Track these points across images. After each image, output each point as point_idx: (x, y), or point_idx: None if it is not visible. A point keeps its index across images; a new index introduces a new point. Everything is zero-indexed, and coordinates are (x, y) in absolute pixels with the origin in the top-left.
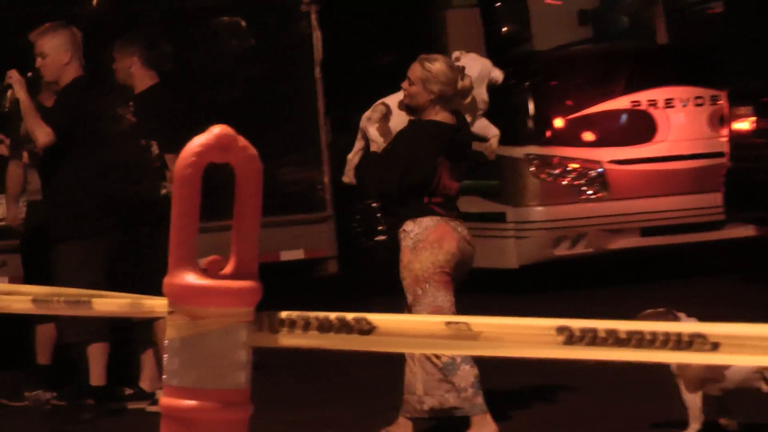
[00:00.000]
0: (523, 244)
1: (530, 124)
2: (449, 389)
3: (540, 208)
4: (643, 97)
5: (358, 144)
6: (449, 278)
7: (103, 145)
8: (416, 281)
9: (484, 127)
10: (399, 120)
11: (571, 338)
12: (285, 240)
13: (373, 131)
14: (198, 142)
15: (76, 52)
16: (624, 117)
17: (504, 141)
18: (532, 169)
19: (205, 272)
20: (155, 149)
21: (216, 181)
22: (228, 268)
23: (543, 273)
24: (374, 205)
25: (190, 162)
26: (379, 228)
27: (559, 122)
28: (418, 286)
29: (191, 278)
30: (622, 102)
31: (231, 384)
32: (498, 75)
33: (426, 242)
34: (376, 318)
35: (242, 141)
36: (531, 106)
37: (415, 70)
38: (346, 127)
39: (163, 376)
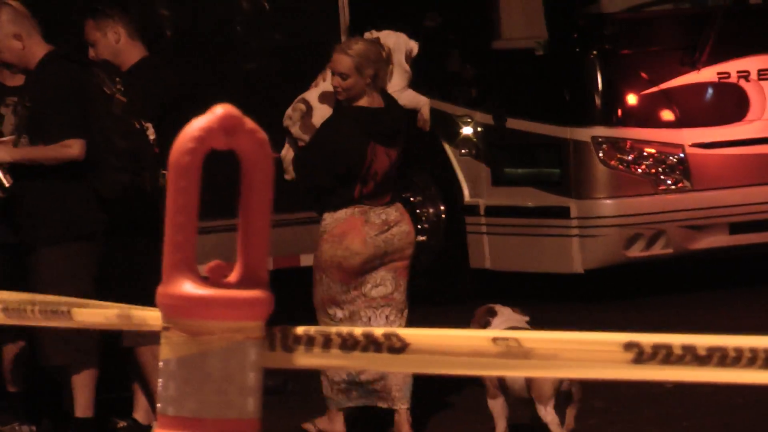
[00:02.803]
0: (590, 243)
1: (598, 101)
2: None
3: (610, 202)
4: (733, 67)
5: (288, 140)
6: (345, 274)
7: (92, 130)
8: (316, 269)
9: (412, 98)
10: (321, 114)
11: (641, 356)
12: (305, 241)
13: (296, 130)
14: (198, 125)
15: (29, 27)
16: (710, 91)
17: (567, 121)
18: (600, 154)
19: (207, 280)
20: (151, 133)
21: (219, 172)
22: (233, 275)
23: (611, 277)
24: (412, 199)
25: (189, 148)
26: (419, 226)
27: (632, 98)
28: (317, 274)
29: (189, 287)
30: (707, 74)
31: (238, 413)
32: (413, 46)
33: (329, 234)
34: (408, 333)
35: (250, 124)
36: (599, 80)
37: (343, 62)
38: None
39: (158, 405)
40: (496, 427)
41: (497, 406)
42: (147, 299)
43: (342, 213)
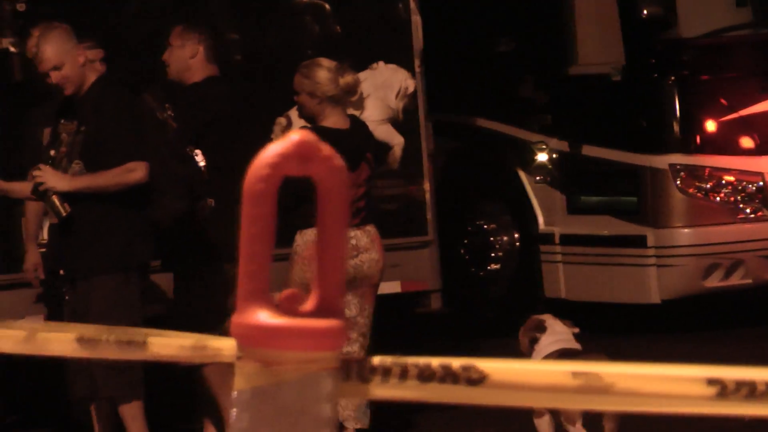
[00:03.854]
0: (667, 273)
1: (675, 127)
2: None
3: (687, 230)
4: None
5: None
6: None
7: (146, 156)
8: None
9: (388, 133)
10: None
11: (724, 391)
12: None
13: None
14: (273, 151)
15: (76, 50)
16: None
17: (644, 148)
18: (678, 182)
19: (281, 309)
20: (201, 159)
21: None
22: (309, 305)
23: (688, 308)
24: (486, 227)
25: (264, 175)
26: (492, 255)
27: (710, 125)
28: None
29: (264, 316)
30: None
31: None
32: (410, 84)
33: (299, 257)
34: (487, 365)
35: (326, 150)
36: (676, 106)
37: (296, 80)
38: (452, 131)
39: None
40: None
41: (543, 424)
42: (203, 327)
43: (310, 234)
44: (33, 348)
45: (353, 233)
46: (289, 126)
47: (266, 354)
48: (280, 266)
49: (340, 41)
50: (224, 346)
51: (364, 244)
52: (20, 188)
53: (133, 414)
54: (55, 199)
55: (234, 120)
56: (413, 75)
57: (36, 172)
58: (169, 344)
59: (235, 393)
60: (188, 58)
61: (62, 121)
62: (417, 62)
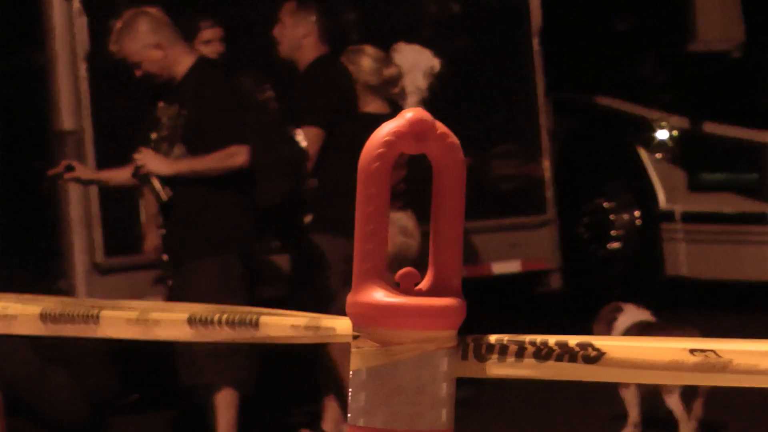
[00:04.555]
0: None
1: None
2: None
3: None
4: None
5: None
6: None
7: (248, 138)
8: None
9: None
10: None
11: None
12: (497, 249)
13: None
14: (387, 129)
15: (170, 35)
16: None
17: (766, 124)
18: None
19: (398, 287)
20: (302, 140)
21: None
22: (425, 283)
23: None
24: (606, 205)
25: (378, 154)
26: (613, 233)
27: None
28: None
29: (380, 295)
30: None
31: (429, 424)
32: (435, 63)
33: None
34: (604, 343)
35: (441, 128)
36: None
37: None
38: (571, 110)
39: (348, 415)
40: (629, 415)
41: (629, 395)
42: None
43: None
44: (143, 332)
45: (398, 215)
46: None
47: (382, 333)
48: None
49: (455, 21)
50: (338, 325)
51: (410, 227)
52: (119, 175)
53: (228, 402)
54: (156, 183)
55: (347, 101)
56: (532, 53)
57: (136, 156)
58: (281, 324)
59: (351, 373)
60: (301, 37)
61: (162, 104)
62: (535, 41)
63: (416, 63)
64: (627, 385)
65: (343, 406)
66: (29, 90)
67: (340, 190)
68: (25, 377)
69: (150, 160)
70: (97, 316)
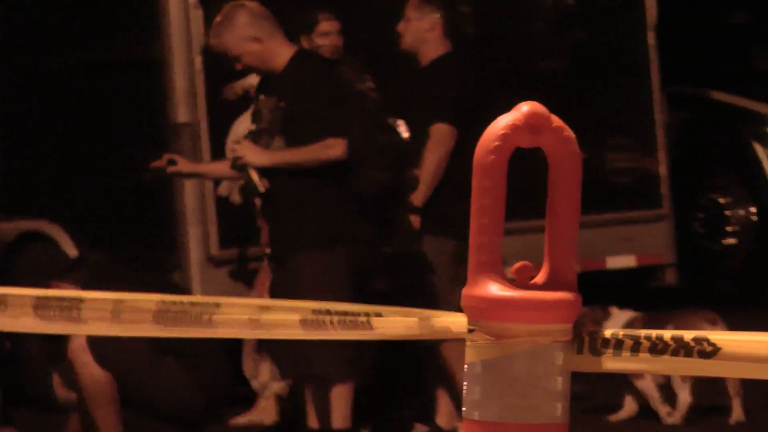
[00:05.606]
0: None
1: None
2: None
3: None
4: None
5: None
6: None
7: (349, 128)
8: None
9: None
10: None
11: None
12: (611, 243)
13: None
14: (503, 122)
15: (269, 28)
16: None
17: None
18: None
19: (513, 281)
20: (404, 131)
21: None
22: (540, 277)
23: None
24: (721, 200)
25: (494, 147)
26: (728, 229)
27: None
28: None
29: (495, 289)
30: None
31: (545, 417)
32: None
33: None
34: (719, 337)
35: (556, 121)
36: None
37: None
38: (686, 104)
39: (463, 409)
40: (655, 408)
41: (647, 384)
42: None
43: None
44: (258, 332)
45: None
46: None
47: (497, 327)
48: (509, 239)
49: (572, 13)
50: (452, 322)
51: None
52: (219, 168)
53: (343, 394)
54: (253, 174)
55: (472, 96)
56: (647, 47)
57: (235, 146)
58: (395, 323)
59: (466, 366)
60: (425, 31)
61: (262, 96)
62: (651, 34)
63: None
64: (643, 376)
65: (455, 401)
66: (145, 82)
67: (450, 190)
68: (138, 369)
69: (247, 151)
70: (210, 319)
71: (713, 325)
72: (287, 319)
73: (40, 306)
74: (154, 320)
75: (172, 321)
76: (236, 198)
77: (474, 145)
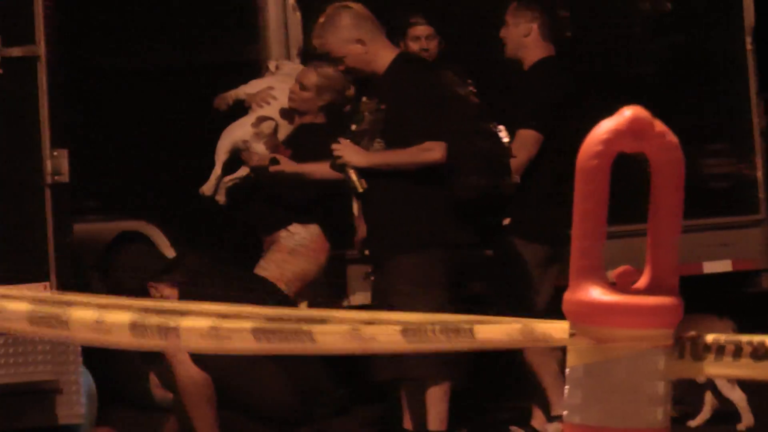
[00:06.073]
0: None
1: None
2: None
3: None
4: None
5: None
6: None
7: (450, 132)
8: (278, 280)
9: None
10: (284, 131)
11: None
12: (708, 248)
13: (260, 147)
14: (606, 127)
15: (372, 30)
16: None
17: None
18: None
19: (615, 286)
20: (504, 136)
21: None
22: (642, 281)
23: None
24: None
25: (597, 151)
26: None
27: None
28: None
29: (597, 293)
30: None
31: (645, 422)
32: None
33: (306, 249)
34: None
35: (660, 126)
36: None
37: (310, 77)
38: None
39: (564, 413)
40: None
41: (737, 396)
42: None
43: (314, 228)
44: (359, 346)
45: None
46: (277, 127)
47: (599, 331)
48: (612, 244)
49: (670, 17)
50: (553, 329)
51: None
52: (321, 168)
53: (439, 396)
54: (353, 174)
55: (571, 101)
56: (745, 52)
57: (335, 146)
58: (496, 331)
59: (567, 370)
60: (522, 36)
61: (364, 98)
62: (748, 39)
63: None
64: (734, 386)
65: (543, 408)
66: (244, 84)
67: (542, 196)
68: (235, 369)
69: (348, 151)
70: (310, 333)
71: None
72: (389, 330)
73: (137, 327)
74: (253, 338)
75: (273, 337)
76: (221, 197)
77: (567, 151)
